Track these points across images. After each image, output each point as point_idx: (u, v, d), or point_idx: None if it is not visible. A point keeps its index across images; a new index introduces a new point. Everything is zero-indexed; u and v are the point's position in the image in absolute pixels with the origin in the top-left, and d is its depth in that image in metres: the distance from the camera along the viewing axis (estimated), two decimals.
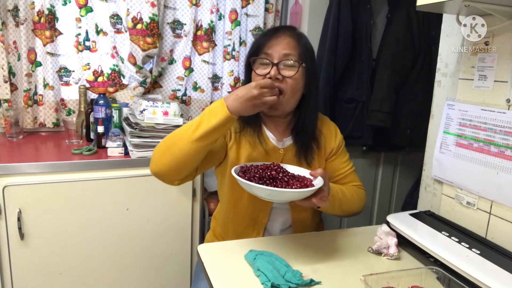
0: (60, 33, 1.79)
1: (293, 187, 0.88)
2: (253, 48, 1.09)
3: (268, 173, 0.91)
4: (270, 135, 1.13)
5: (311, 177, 0.94)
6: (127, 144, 1.51)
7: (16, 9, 1.65)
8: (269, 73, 1.02)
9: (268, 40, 1.05)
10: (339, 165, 1.18)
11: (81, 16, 1.80)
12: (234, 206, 1.13)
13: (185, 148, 0.92)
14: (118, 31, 1.85)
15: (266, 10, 2.07)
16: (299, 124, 1.12)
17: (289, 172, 0.95)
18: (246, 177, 0.88)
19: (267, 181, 0.89)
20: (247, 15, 2.03)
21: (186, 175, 1.00)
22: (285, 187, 0.88)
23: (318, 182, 0.90)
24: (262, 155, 1.10)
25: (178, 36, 1.94)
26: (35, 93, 1.77)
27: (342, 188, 1.09)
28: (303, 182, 0.90)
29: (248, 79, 1.12)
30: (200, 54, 2.00)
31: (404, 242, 0.99)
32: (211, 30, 1.97)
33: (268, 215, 1.13)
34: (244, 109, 0.91)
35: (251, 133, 1.11)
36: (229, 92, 2.06)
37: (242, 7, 2.01)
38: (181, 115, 1.77)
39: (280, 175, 0.92)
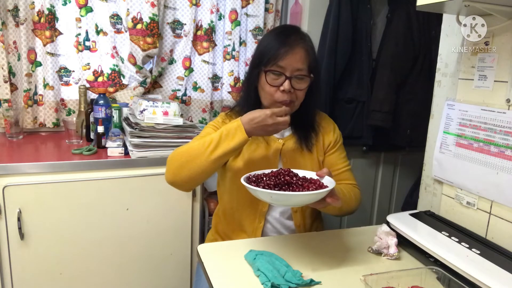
0: (60, 33, 1.79)
1: (310, 189, 0.87)
2: (266, 57, 1.08)
3: (282, 179, 0.91)
4: None
5: (318, 177, 0.94)
6: (127, 144, 1.51)
7: (16, 9, 1.65)
8: (282, 85, 1.06)
9: (285, 53, 1.05)
10: (337, 160, 1.21)
11: (81, 16, 1.80)
12: (236, 196, 1.16)
13: (202, 166, 0.99)
14: (118, 31, 1.85)
15: (266, 10, 2.07)
16: (301, 120, 1.17)
17: (299, 176, 0.95)
18: (261, 186, 0.88)
19: (283, 187, 0.89)
20: (247, 15, 2.03)
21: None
22: (301, 191, 0.87)
23: (327, 182, 0.91)
24: (263, 145, 1.15)
25: (178, 36, 1.94)
26: (35, 93, 1.77)
27: (341, 188, 1.10)
28: (316, 184, 0.90)
29: (254, 84, 1.13)
30: (200, 54, 2.00)
31: (404, 242, 0.99)
32: (211, 30, 1.97)
33: (267, 204, 1.15)
34: (257, 132, 0.99)
35: None
36: (229, 92, 2.07)
37: (242, 7, 2.01)
38: (181, 115, 1.77)
39: (294, 179, 0.92)
